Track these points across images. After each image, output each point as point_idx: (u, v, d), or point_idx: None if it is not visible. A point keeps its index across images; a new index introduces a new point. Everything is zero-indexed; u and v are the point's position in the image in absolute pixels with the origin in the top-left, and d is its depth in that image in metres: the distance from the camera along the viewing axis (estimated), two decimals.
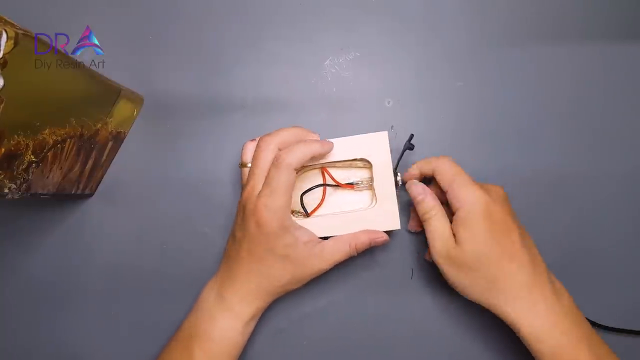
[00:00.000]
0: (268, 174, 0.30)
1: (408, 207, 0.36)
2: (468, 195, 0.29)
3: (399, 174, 0.32)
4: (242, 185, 0.32)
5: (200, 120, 0.38)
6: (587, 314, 0.32)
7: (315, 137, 0.32)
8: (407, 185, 0.32)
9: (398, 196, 0.32)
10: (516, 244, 0.29)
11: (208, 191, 0.37)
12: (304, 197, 0.33)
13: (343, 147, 0.32)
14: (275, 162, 0.29)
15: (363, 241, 0.31)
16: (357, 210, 0.32)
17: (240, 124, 0.38)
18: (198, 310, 0.31)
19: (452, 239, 0.29)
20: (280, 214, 0.29)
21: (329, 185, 0.33)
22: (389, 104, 0.37)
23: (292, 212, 0.33)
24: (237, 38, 0.38)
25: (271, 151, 0.30)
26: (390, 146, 0.32)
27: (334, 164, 0.33)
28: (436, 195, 0.32)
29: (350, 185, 0.33)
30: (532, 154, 0.37)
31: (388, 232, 0.32)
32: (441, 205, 0.31)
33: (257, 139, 0.32)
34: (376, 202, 0.32)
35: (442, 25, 0.38)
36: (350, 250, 0.31)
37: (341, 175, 0.34)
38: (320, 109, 0.37)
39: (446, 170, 0.30)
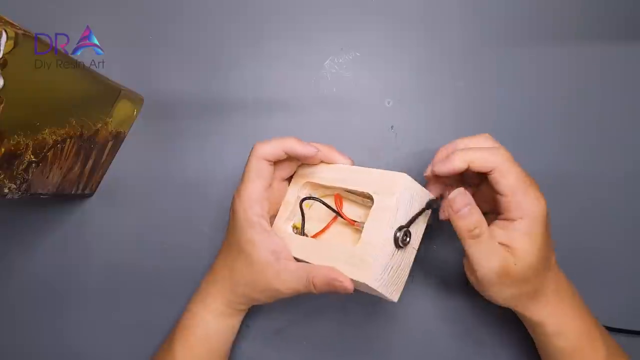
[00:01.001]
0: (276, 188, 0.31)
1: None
2: (532, 205, 0.26)
3: (410, 233, 0.26)
4: None
5: (200, 120, 0.38)
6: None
7: (311, 149, 0.29)
8: (453, 195, 0.26)
9: (392, 255, 0.25)
10: (552, 250, 0.28)
11: (208, 191, 0.37)
12: (304, 205, 0.30)
13: (360, 177, 0.28)
14: (250, 153, 0.29)
15: (320, 279, 0.26)
16: (338, 244, 0.28)
17: (240, 124, 0.38)
18: (185, 318, 0.32)
19: (509, 254, 0.26)
20: (247, 203, 0.28)
21: (334, 211, 0.29)
22: (389, 104, 0.37)
23: (294, 227, 0.31)
24: (237, 38, 0.38)
25: (258, 158, 0.29)
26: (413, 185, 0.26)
27: (347, 194, 0.30)
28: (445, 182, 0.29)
29: (352, 221, 0.28)
30: (532, 154, 0.36)
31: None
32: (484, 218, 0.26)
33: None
34: (360, 243, 0.25)
35: (442, 26, 0.38)
36: (307, 283, 0.27)
37: (352, 210, 0.30)
38: (321, 109, 0.37)
39: (512, 175, 0.26)
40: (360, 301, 0.36)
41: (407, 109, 0.37)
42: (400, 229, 0.25)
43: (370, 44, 0.38)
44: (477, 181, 0.30)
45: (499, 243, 0.26)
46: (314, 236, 0.30)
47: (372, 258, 0.25)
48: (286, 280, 0.27)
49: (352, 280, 0.25)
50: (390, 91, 0.37)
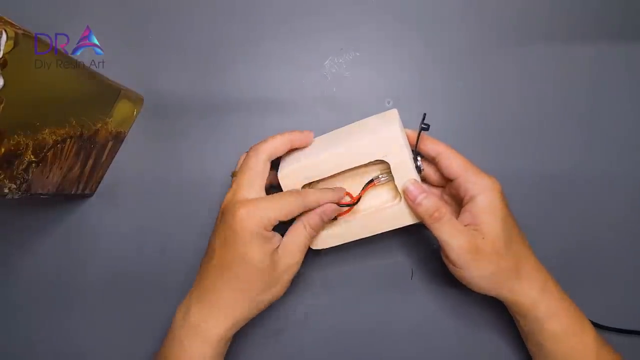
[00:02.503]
0: (243, 165, 0.28)
1: None
2: (486, 181, 0.28)
3: (419, 158, 0.30)
4: None
5: (200, 120, 0.38)
6: (587, 314, 0.31)
7: (310, 136, 0.30)
8: (404, 186, 0.29)
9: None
10: (519, 228, 0.29)
11: (207, 191, 0.37)
12: None
13: (356, 153, 0.29)
14: (249, 153, 0.28)
15: (313, 218, 0.28)
16: (384, 208, 0.30)
17: (240, 124, 0.38)
18: (167, 338, 0.29)
19: (476, 231, 0.28)
20: (262, 223, 0.26)
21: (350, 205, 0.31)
22: (389, 104, 0.37)
23: None
24: (237, 38, 0.38)
25: (261, 160, 0.28)
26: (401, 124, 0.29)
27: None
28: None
29: (372, 183, 0.31)
30: (533, 154, 0.37)
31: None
32: (444, 203, 0.29)
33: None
34: (400, 197, 0.29)
35: (442, 26, 0.38)
36: (307, 231, 0.28)
37: (360, 173, 0.31)
38: (320, 109, 0.37)
39: (458, 157, 0.29)
40: (361, 301, 0.36)
41: (407, 109, 0.37)
42: (415, 159, 0.29)
43: (370, 44, 0.38)
44: (443, 183, 0.32)
45: (466, 225, 0.28)
46: (342, 215, 0.31)
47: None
48: (294, 250, 0.28)
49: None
50: (390, 91, 0.37)
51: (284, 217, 0.27)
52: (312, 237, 0.29)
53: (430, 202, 0.28)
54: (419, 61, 0.37)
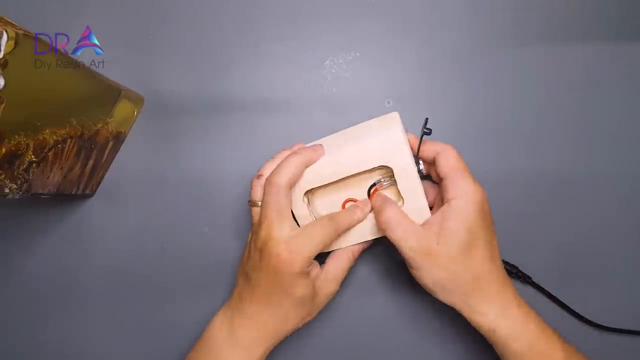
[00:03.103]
0: (314, 224, 0.29)
1: None
2: (468, 187, 0.27)
3: (420, 162, 0.30)
4: (253, 224, 0.30)
5: (200, 120, 0.38)
6: (587, 314, 0.32)
7: (321, 150, 0.30)
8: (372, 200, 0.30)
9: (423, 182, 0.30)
10: (496, 245, 0.28)
11: (208, 191, 0.37)
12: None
13: (358, 159, 0.29)
14: (331, 219, 0.29)
15: (357, 250, 0.31)
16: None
17: (240, 124, 0.38)
18: (206, 347, 0.30)
19: (428, 234, 0.27)
20: (305, 262, 0.27)
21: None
22: (389, 104, 0.37)
23: None
24: (237, 38, 0.38)
25: (283, 194, 0.28)
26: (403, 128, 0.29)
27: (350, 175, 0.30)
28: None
29: (376, 188, 0.31)
30: (533, 154, 0.36)
31: None
32: (394, 202, 0.30)
33: (263, 176, 0.30)
34: (403, 201, 0.30)
35: (442, 26, 0.38)
36: (349, 260, 0.31)
37: (364, 178, 0.31)
38: (320, 109, 0.37)
39: (452, 157, 0.29)
40: (360, 301, 0.36)
41: (407, 109, 0.37)
42: (417, 163, 0.30)
43: (370, 44, 0.38)
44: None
45: (430, 224, 0.28)
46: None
47: (421, 201, 0.29)
48: (336, 279, 0.30)
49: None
50: (390, 91, 0.37)
51: (323, 250, 0.28)
52: (352, 263, 0.31)
53: (378, 206, 0.29)
54: (419, 61, 0.37)
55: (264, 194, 0.29)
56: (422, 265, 0.27)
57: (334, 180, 0.30)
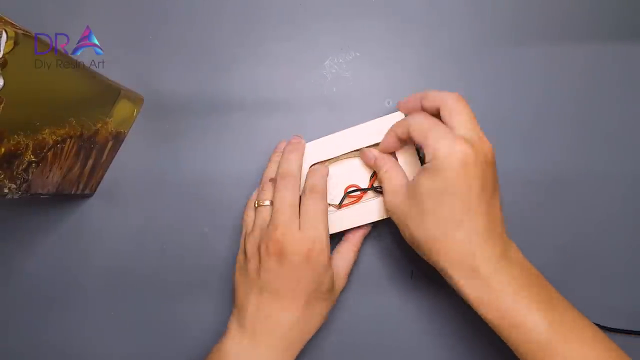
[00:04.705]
0: (304, 205, 0.28)
1: None
2: (443, 148, 0.25)
3: (420, 150, 0.31)
4: (252, 230, 0.30)
5: (200, 120, 0.38)
6: (587, 314, 0.31)
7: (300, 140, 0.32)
8: (359, 153, 0.32)
9: None
10: (473, 208, 0.25)
11: (208, 191, 0.37)
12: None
13: (360, 136, 0.32)
14: (312, 192, 0.28)
15: (358, 241, 0.32)
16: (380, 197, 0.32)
17: (240, 124, 0.38)
18: (221, 356, 0.28)
19: (401, 191, 0.28)
20: (327, 244, 0.27)
21: (365, 189, 0.33)
22: (389, 104, 0.37)
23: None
24: (237, 38, 0.38)
25: (296, 180, 0.29)
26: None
27: (355, 154, 0.33)
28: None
29: (376, 175, 0.32)
30: (533, 154, 0.36)
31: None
32: (396, 162, 0.30)
33: (273, 179, 0.31)
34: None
35: (441, 26, 0.38)
36: (356, 257, 0.32)
37: (358, 163, 0.33)
38: (320, 109, 0.37)
39: (420, 120, 0.27)
40: (360, 300, 0.36)
41: None
42: (418, 151, 0.31)
43: (370, 44, 0.38)
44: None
45: (409, 181, 0.28)
46: (344, 205, 0.33)
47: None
48: (345, 274, 0.31)
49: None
50: (390, 91, 0.37)
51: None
52: (357, 256, 0.32)
53: (378, 163, 0.30)
54: (419, 61, 0.37)
55: (277, 189, 0.29)
56: (396, 222, 0.28)
57: (338, 154, 0.32)
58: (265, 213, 0.29)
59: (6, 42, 0.23)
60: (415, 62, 0.37)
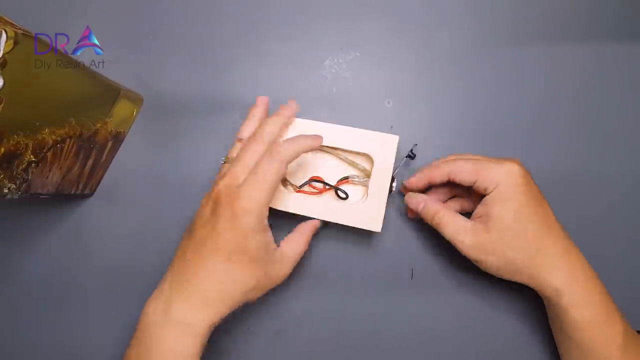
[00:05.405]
0: (258, 164, 0.27)
1: (398, 212, 0.36)
2: (497, 174, 0.28)
3: (395, 180, 0.32)
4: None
5: (199, 120, 0.38)
6: None
7: (320, 137, 0.30)
8: (405, 199, 0.33)
9: (389, 203, 0.32)
10: (550, 213, 0.29)
11: (207, 190, 0.37)
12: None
13: (352, 137, 0.32)
14: (271, 153, 0.27)
15: (308, 233, 0.31)
16: (348, 203, 0.33)
17: (239, 124, 0.38)
18: (142, 333, 0.27)
19: (478, 228, 0.29)
20: (263, 208, 0.26)
21: (328, 185, 0.34)
22: (388, 104, 0.37)
23: (284, 181, 0.33)
24: (237, 38, 0.38)
25: (263, 145, 0.28)
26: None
27: (338, 152, 0.34)
28: (441, 199, 0.33)
29: (346, 179, 0.34)
30: (531, 154, 0.36)
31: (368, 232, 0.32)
32: (445, 206, 0.31)
33: (241, 139, 0.31)
34: (366, 198, 0.32)
35: (441, 26, 0.38)
36: (305, 247, 0.31)
37: (340, 166, 0.34)
38: (320, 109, 0.37)
39: (464, 166, 0.29)
40: (360, 301, 0.36)
41: (406, 109, 0.37)
42: (393, 179, 0.32)
43: (370, 44, 0.38)
44: (463, 190, 0.33)
45: (479, 217, 0.29)
46: (301, 190, 0.33)
47: (380, 209, 0.31)
48: (289, 263, 0.30)
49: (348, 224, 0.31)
50: (390, 91, 0.37)
51: (273, 194, 0.27)
52: (306, 247, 0.31)
53: (429, 208, 0.31)
54: (419, 61, 0.37)
55: (243, 148, 0.28)
56: (480, 258, 0.29)
57: (323, 144, 0.31)
58: (222, 169, 0.30)
59: (6, 41, 0.23)
60: (415, 62, 0.37)
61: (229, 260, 0.26)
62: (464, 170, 0.29)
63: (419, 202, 0.31)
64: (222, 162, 0.31)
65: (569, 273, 0.28)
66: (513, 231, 0.28)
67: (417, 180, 0.32)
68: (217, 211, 0.26)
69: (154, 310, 0.27)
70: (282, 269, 0.29)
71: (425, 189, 0.33)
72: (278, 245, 0.30)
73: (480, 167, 0.29)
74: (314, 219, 0.32)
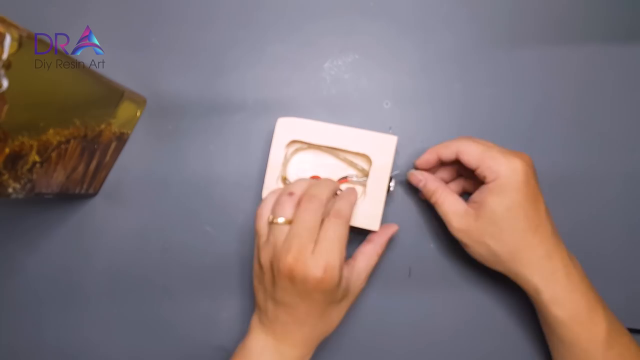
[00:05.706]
0: (324, 228, 0.27)
1: (396, 212, 0.36)
2: (502, 166, 0.28)
3: (393, 180, 0.33)
4: (265, 243, 0.28)
5: (202, 122, 0.38)
6: None
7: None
8: (407, 176, 0.34)
9: (386, 203, 0.32)
10: (542, 214, 0.29)
11: (210, 191, 0.37)
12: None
13: (351, 138, 0.32)
14: (337, 215, 0.27)
15: (383, 243, 0.32)
16: None
17: (241, 125, 0.38)
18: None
19: (470, 213, 0.29)
20: (340, 270, 0.27)
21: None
22: (387, 105, 0.38)
23: (284, 181, 0.34)
24: (238, 40, 0.39)
25: (320, 211, 0.27)
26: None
27: (337, 152, 0.34)
28: (445, 178, 0.33)
29: (344, 179, 0.34)
30: (531, 154, 0.36)
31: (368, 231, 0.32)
32: (445, 185, 0.32)
33: (295, 194, 0.29)
34: (365, 197, 0.32)
35: (440, 28, 0.38)
36: (379, 257, 0.32)
37: (339, 166, 0.34)
38: (320, 111, 0.38)
39: (472, 148, 0.29)
40: (359, 299, 0.36)
41: (405, 110, 0.37)
42: (390, 179, 0.32)
43: (369, 47, 0.38)
44: (468, 172, 0.33)
45: (473, 203, 0.30)
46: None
47: (378, 209, 0.31)
48: (365, 277, 0.31)
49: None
50: (389, 93, 0.38)
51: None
52: (378, 259, 0.32)
53: (429, 186, 0.32)
54: (418, 63, 0.38)
55: (300, 210, 0.27)
56: (465, 242, 0.30)
57: (321, 143, 0.33)
58: (278, 232, 0.27)
59: (10, 43, 0.24)
60: (414, 64, 0.38)
61: (324, 313, 0.28)
62: (471, 152, 0.29)
63: (419, 179, 0.32)
64: (270, 220, 0.28)
65: (550, 273, 0.28)
66: (500, 225, 0.28)
67: (427, 157, 0.32)
68: (298, 283, 0.26)
69: (264, 339, 0.29)
70: (358, 285, 0.30)
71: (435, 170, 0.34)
72: (350, 258, 0.30)
73: (486, 155, 0.29)
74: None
